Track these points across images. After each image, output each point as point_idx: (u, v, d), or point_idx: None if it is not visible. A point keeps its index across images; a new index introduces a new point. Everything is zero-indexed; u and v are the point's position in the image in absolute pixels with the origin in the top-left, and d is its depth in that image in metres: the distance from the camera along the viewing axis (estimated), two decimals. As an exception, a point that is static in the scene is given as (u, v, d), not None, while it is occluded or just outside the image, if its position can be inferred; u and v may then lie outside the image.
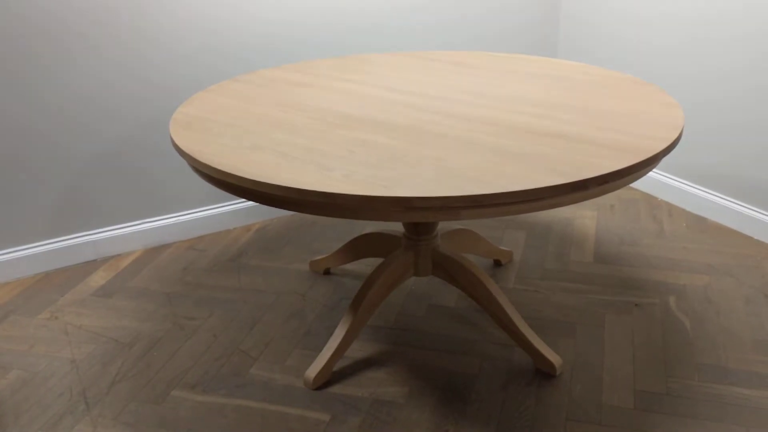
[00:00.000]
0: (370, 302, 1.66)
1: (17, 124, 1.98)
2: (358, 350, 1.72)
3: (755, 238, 2.22)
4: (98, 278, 2.10)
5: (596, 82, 1.71)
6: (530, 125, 1.41)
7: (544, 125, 1.40)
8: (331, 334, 1.78)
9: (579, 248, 2.19)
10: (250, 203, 2.41)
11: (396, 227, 2.32)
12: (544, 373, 1.62)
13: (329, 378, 1.62)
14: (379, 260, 2.14)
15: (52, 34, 1.94)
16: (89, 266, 2.17)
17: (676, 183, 2.47)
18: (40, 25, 1.91)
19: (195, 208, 2.34)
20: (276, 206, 1.23)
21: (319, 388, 1.59)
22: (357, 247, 1.99)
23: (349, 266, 2.12)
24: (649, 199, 2.54)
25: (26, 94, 1.97)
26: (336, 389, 1.59)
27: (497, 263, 2.10)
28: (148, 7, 2.04)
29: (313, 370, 1.60)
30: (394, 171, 1.20)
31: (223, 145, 1.34)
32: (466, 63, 1.92)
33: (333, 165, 1.23)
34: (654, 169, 2.55)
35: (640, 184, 2.63)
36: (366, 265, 2.12)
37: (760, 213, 2.20)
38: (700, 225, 2.33)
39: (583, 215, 2.42)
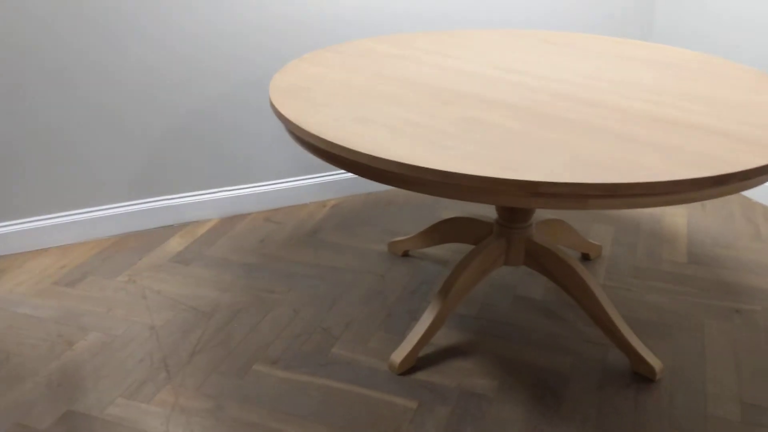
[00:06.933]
0: (460, 289, 1.60)
1: (109, 78, 1.96)
2: (442, 338, 1.66)
3: None
4: (175, 244, 2.08)
5: (710, 70, 1.60)
6: (656, 113, 1.31)
7: (670, 114, 1.31)
8: (412, 318, 1.72)
9: (671, 247, 2.08)
10: (326, 178, 2.36)
11: (481, 211, 2.24)
12: (641, 376, 1.53)
13: (414, 364, 1.56)
14: (462, 246, 2.08)
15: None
16: (165, 231, 2.15)
17: (775, 185, 2.33)
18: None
19: (271, 180, 2.30)
20: (387, 183, 1.17)
21: (404, 374, 1.54)
22: (442, 231, 1.92)
23: (427, 250, 2.06)
24: (743, 200, 2.41)
25: (119, 49, 1.94)
26: (421, 376, 1.53)
27: (585, 257, 2.01)
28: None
29: (398, 355, 1.54)
30: (515, 153, 1.12)
31: (328, 116, 1.28)
32: (558, 42, 1.82)
33: (448, 143, 1.16)
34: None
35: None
36: (445, 249, 2.05)
37: None
38: (800, 231, 2.19)
39: (673, 213, 2.30)
